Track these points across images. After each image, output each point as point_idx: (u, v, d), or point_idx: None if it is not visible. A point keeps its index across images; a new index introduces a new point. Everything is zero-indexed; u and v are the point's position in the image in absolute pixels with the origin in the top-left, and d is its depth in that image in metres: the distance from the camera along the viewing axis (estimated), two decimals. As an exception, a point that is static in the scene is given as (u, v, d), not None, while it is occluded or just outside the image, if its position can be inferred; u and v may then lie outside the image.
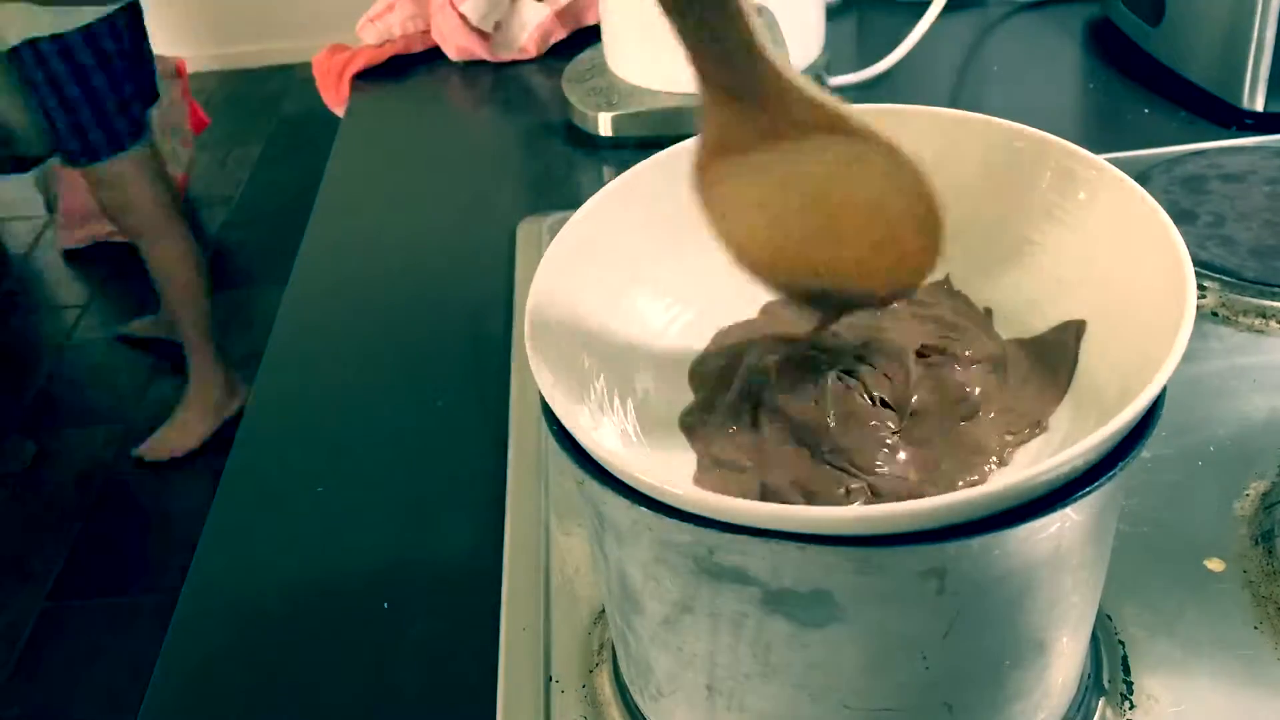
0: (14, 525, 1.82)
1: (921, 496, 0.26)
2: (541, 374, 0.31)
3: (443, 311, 0.63)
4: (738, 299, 0.39)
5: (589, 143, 0.78)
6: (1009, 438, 0.34)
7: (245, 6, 3.16)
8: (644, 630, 0.32)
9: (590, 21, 0.92)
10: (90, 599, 1.67)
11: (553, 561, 0.44)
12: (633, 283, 0.38)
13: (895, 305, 0.39)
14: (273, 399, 0.58)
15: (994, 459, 0.34)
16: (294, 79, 3.04)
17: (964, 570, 0.27)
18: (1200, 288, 0.55)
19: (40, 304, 2.38)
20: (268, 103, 3.03)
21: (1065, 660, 0.33)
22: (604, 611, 0.41)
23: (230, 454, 0.54)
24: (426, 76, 0.92)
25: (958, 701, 0.31)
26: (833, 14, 0.86)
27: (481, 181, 0.77)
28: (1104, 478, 0.27)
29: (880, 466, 0.33)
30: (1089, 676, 0.37)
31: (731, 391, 0.36)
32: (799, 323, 0.38)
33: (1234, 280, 0.55)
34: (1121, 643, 0.39)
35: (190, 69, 2.58)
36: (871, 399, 0.35)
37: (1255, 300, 0.54)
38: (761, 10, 0.57)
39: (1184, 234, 0.32)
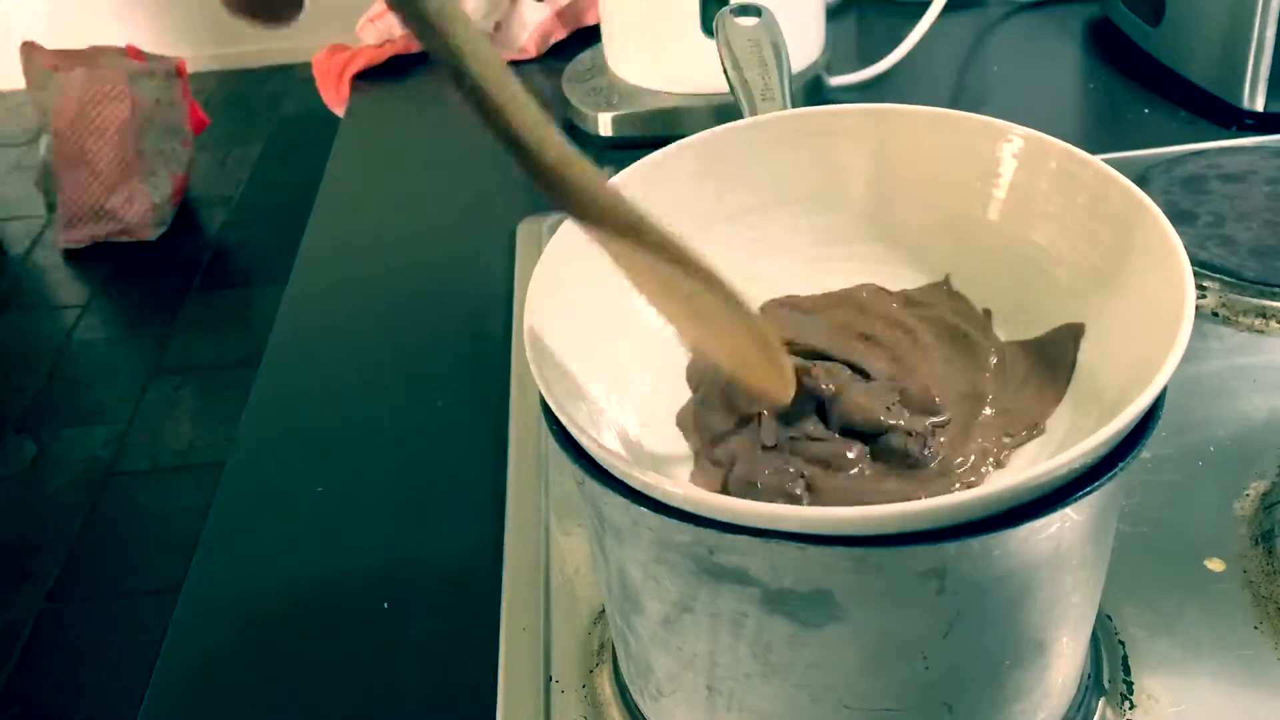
0: (14, 525, 1.82)
1: (907, 500, 0.26)
2: (540, 374, 0.31)
3: (443, 311, 0.63)
4: (737, 299, 0.39)
5: (589, 143, 0.78)
6: (1006, 439, 0.34)
7: (245, 6, 3.15)
8: (644, 630, 0.32)
9: (590, 21, 0.92)
10: (90, 599, 1.67)
11: (553, 561, 0.44)
12: (632, 282, 0.38)
13: (894, 305, 0.39)
14: (273, 399, 0.58)
15: (991, 460, 0.34)
16: (294, 79, 3.04)
17: (964, 570, 0.27)
18: (1200, 288, 0.55)
19: (40, 304, 2.38)
20: (268, 103, 3.03)
21: (1065, 660, 0.33)
22: (604, 611, 0.41)
23: (230, 454, 0.54)
24: (426, 76, 0.92)
25: (958, 701, 0.31)
26: (833, 14, 0.86)
27: (481, 181, 0.76)
28: (1104, 478, 0.27)
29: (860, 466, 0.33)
30: (1089, 676, 0.37)
31: (730, 391, 0.36)
32: (797, 322, 0.38)
33: (1234, 280, 0.55)
34: (1121, 643, 0.39)
35: (190, 69, 2.59)
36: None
37: (1255, 300, 0.54)
38: (762, 10, 0.57)
39: (1184, 234, 0.32)
